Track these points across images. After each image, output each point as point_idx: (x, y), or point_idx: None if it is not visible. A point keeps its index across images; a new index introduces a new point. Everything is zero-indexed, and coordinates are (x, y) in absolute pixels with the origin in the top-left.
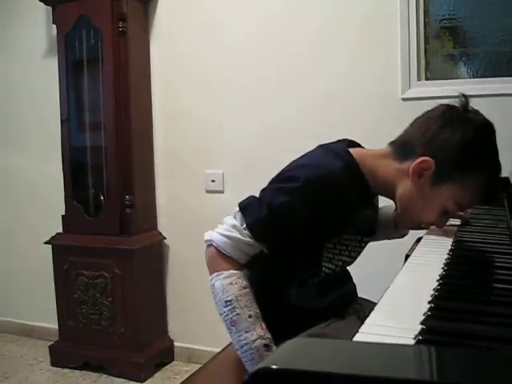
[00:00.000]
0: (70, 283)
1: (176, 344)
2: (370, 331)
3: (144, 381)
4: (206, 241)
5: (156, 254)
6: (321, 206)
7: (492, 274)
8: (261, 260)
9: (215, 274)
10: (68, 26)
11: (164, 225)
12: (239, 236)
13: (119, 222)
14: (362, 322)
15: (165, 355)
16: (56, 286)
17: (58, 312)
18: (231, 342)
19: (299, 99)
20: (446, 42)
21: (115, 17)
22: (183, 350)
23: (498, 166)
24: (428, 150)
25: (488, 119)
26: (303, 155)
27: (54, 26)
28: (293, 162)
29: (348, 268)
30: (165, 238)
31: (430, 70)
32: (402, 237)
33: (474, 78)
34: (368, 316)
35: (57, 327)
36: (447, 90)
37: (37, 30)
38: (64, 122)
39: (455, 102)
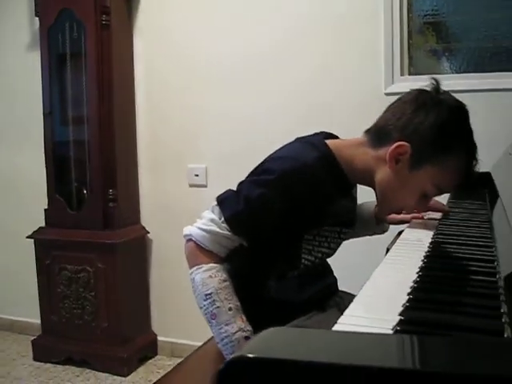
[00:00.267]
0: (53, 277)
1: (159, 338)
2: (349, 322)
3: (127, 375)
4: (185, 235)
5: (139, 248)
6: (297, 197)
7: (471, 266)
8: (240, 253)
9: (195, 267)
10: (51, 19)
11: (147, 219)
12: (217, 230)
13: (102, 215)
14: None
15: (148, 349)
16: (38, 281)
17: (40, 306)
18: (213, 336)
19: (282, 94)
20: (429, 38)
21: (98, 10)
22: (166, 345)
23: (473, 146)
24: (404, 135)
25: (461, 101)
26: (280, 148)
27: (37, 18)
28: (270, 154)
29: (329, 261)
30: (148, 233)
31: (414, 65)
32: (383, 232)
33: (457, 73)
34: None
35: (39, 322)
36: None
37: (19, 23)
38: (47, 115)
39: (427, 87)
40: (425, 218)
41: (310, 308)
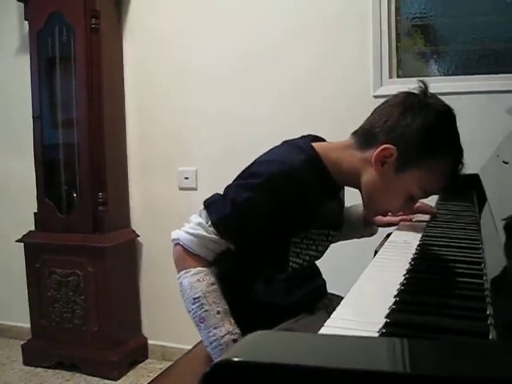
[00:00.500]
0: (43, 281)
1: (150, 342)
2: (336, 325)
3: (118, 379)
4: (173, 240)
5: (129, 252)
6: (284, 200)
7: (458, 268)
8: (228, 257)
9: (183, 271)
10: (40, 23)
11: (137, 222)
12: (205, 233)
13: (92, 219)
14: None
15: (139, 353)
16: (28, 285)
17: (30, 310)
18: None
19: (271, 97)
20: (417, 40)
21: (88, 13)
22: (157, 348)
23: (459, 150)
24: (390, 138)
25: (448, 104)
26: (267, 151)
27: (26, 22)
28: (257, 158)
29: (318, 264)
30: (138, 236)
31: (402, 68)
32: (372, 235)
33: (445, 75)
34: None
35: (29, 326)
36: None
37: (9, 27)
38: (36, 119)
39: (416, 89)
40: (413, 220)
41: (298, 311)
